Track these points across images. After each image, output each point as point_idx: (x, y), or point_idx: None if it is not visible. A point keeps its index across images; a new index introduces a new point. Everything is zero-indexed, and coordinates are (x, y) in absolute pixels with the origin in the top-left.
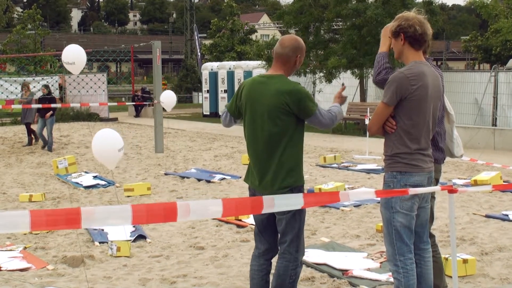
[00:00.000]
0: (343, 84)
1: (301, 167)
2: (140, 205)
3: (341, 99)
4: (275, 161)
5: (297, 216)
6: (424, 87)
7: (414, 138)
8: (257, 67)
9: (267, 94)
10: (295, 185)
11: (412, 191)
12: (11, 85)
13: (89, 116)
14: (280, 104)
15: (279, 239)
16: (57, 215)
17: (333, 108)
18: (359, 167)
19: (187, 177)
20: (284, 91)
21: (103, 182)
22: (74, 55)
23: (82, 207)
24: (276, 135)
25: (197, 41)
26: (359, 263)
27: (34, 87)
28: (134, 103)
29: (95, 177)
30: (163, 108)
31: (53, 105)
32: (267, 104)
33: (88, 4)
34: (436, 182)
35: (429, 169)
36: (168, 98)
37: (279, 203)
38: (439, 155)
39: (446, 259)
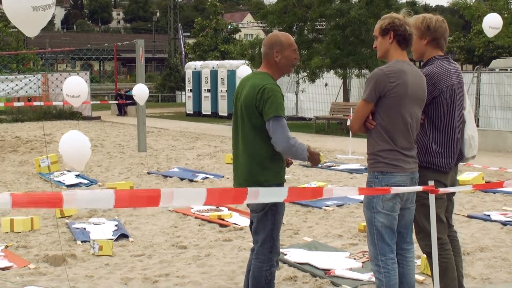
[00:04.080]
0: (326, 84)
1: (274, 166)
2: (123, 190)
3: (315, 161)
4: (247, 159)
5: (269, 215)
6: (403, 85)
7: (392, 135)
8: (240, 67)
9: (245, 90)
10: (266, 184)
11: (394, 189)
12: None
13: (72, 115)
14: (251, 99)
15: (253, 238)
16: (38, 196)
17: (304, 145)
18: (342, 167)
19: (170, 176)
20: (257, 86)
21: (85, 181)
22: (77, 87)
23: (63, 191)
24: (249, 132)
25: (181, 40)
26: (342, 263)
27: (17, 85)
28: (117, 101)
29: (77, 175)
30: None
31: None
32: (243, 99)
33: (72, 2)
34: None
35: (411, 169)
36: (140, 91)
37: (263, 194)
38: (445, 161)
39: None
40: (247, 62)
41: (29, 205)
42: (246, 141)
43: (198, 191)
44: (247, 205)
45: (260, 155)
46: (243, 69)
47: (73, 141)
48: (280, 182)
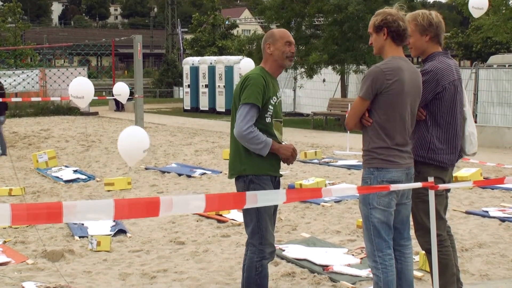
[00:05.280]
0: (324, 80)
1: (256, 156)
2: (122, 200)
3: (289, 157)
4: (232, 149)
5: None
6: (400, 82)
7: (389, 133)
8: (238, 62)
9: None
10: (244, 174)
11: (393, 187)
12: None
13: (69, 110)
14: (236, 91)
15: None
16: (38, 209)
17: (266, 139)
18: (340, 162)
19: (168, 172)
20: (242, 78)
21: (83, 176)
22: (82, 88)
23: (64, 202)
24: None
25: (180, 36)
26: (340, 259)
27: (14, 80)
28: (114, 97)
29: (75, 171)
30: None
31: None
32: (233, 93)
33: None
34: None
35: (407, 165)
36: (122, 90)
37: (262, 198)
38: (448, 157)
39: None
40: (245, 57)
41: (29, 222)
42: (232, 135)
43: (196, 197)
44: None
45: (242, 149)
46: (245, 61)
47: (133, 137)
48: (261, 174)
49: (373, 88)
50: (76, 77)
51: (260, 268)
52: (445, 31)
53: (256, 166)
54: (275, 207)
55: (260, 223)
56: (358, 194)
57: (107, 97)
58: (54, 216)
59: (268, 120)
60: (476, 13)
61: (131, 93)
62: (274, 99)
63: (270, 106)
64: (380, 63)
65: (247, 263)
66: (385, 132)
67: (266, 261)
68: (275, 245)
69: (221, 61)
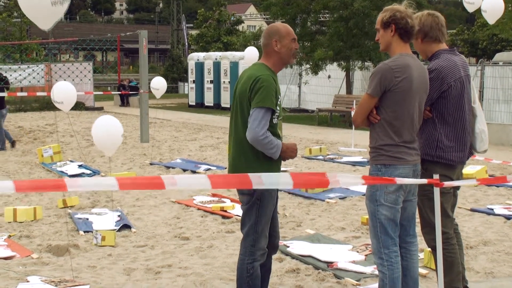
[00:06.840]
0: (329, 76)
1: (265, 161)
2: (125, 177)
3: (290, 153)
4: (237, 150)
5: (254, 208)
6: (408, 80)
7: (397, 130)
8: (243, 58)
9: (240, 81)
10: None
11: (399, 180)
12: None
13: (74, 105)
14: (244, 90)
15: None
16: (42, 182)
17: (278, 142)
18: (345, 159)
19: (173, 167)
20: (252, 77)
21: (88, 171)
22: (63, 94)
23: (66, 178)
24: (241, 126)
25: (184, 31)
26: (344, 256)
27: (20, 75)
28: (120, 92)
29: (80, 166)
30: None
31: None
32: (238, 91)
33: None
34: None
35: (414, 161)
36: (160, 84)
37: (267, 181)
38: (457, 155)
39: (431, 252)
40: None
41: (33, 190)
42: (237, 134)
43: (200, 176)
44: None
45: (249, 149)
46: (249, 50)
47: (107, 126)
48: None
49: (381, 85)
50: (81, 72)
51: (252, 270)
52: (444, 26)
53: (265, 170)
54: (275, 208)
55: (256, 226)
56: (363, 191)
57: (112, 92)
58: (58, 187)
59: (275, 121)
60: (469, 8)
61: (137, 88)
62: (279, 98)
63: (278, 107)
64: (388, 60)
65: (238, 264)
66: (392, 129)
67: (257, 263)
68: (280, 242)
69: (226, 57)
